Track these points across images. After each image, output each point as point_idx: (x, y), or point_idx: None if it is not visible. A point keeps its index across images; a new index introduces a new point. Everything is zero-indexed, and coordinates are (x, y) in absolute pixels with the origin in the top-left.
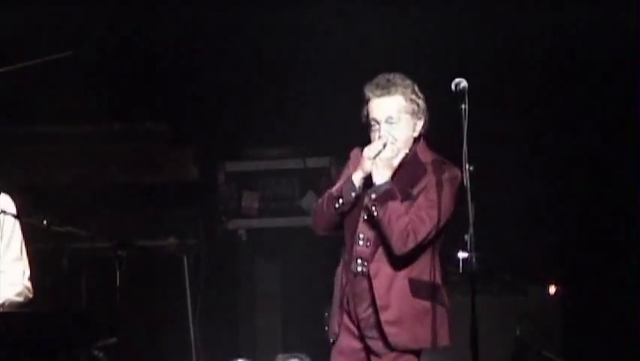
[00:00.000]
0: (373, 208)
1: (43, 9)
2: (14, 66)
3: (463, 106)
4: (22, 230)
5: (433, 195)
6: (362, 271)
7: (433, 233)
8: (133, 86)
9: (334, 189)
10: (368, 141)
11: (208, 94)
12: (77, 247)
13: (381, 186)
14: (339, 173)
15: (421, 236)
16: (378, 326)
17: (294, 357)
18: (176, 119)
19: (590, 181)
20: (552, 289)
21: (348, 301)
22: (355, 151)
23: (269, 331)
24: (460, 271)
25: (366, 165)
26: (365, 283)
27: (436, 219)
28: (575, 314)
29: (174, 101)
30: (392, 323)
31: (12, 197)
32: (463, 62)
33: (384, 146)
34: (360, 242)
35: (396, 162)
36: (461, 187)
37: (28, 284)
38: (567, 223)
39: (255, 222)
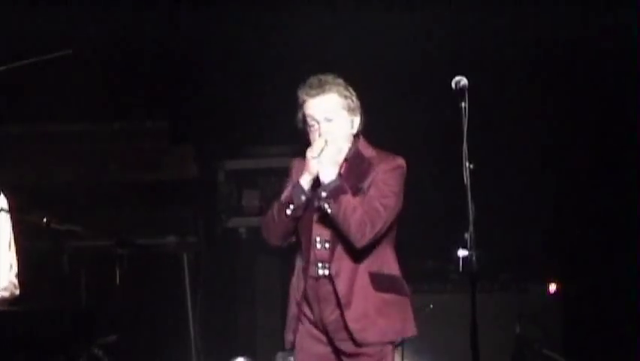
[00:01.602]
0: (326, 205)
1: (43, 8)
2: (14, 64)
3: (463, 104)
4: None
5: (383, 186)
6: (324, 273)
7: (388, 223)
8: (132, 84)
9: (282, 197)
10: (306, 147)
11: (208, 92)
12: (77, 245)
13: (330, 183)
14: (280, 188)
15: (378, 226)
16: (346, 325)
17: (294, 356)
18: (176, 118)
19: (591, 179)
20: (552, 288)
21: (311, 308)
22: (295, 162)
23: (269, 329)
24: (461, 269)
25: (312, 165)
26: (328, 286)
27: (389, 209)
28: (575, 313)
29: (174, 100)
30: (356, 320)
31: (4, 194)
32: (463, 60)
33: (326, 143)
34: (318, 245)
35: (340, 159)
36: (406, 175)
37: (14, 280)
38: (567, 222)
39: (255, 221)
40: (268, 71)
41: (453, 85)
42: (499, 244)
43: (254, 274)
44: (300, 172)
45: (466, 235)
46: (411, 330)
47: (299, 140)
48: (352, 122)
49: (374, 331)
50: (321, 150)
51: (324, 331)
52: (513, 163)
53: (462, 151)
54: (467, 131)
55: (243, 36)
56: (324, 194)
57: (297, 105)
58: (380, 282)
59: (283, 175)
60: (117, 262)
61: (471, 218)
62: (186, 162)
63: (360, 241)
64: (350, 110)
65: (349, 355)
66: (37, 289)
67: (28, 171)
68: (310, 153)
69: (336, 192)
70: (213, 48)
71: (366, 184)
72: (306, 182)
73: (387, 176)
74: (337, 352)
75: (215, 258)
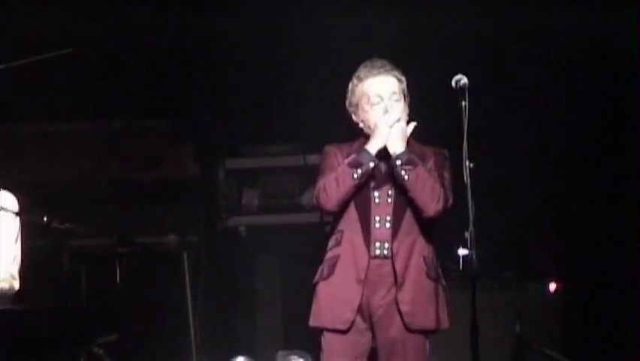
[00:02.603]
0: (403, 172)
1: (43, 7)
2: (14, 63)
3: (463, 103)
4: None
5: (444, 172)
6: (382, 253)
7: (451, 202)
8: (133, 83)
9: (346, 161)
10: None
11: (208, 91)
12: (78, 244)
13: (402, 153)
14: (322, 167)
15: (448, 198)
16: (398, 307)
17: (295, 354)
18: (176, 117)
19: (591, 179)
20: (552, 287)
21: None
22: (332, 147)
23: (269, 328)
24: (461, 268)
25: (384, 132)
26: (385, 266)
27: (451, 188)
28: (574, 312)
29: (174, 99)
30: (408, 303)
31: (14, 195)
32: (464, 59)
33: (399, 119)
34: (377, 224)
35: (405, 138)
36: None
37: (15, 273)
38: (567, 220)
39: (256, 219)
40: (268, 70)
41: (453, 84)
42: (499, 243)
43: (254, 272)
44: (344, 157)
45: (467, 234)
46: (446, 322)
47: (300, 138)
48: (405, 107)
49: (422, 317)
50: (394, 123)
51: (368, 316)
52: (513, 162)
53: (462, 150)
54: (467, 130)
55: (243, 35)
56: (399, 162)
57: (348, 87)
58: (430, 269)
59: (283, 174)
60: (117, 260)
61: (471, 217)
62: (186, 160)
63: (436, 206)
64: (404, 96)
65: (394, 341)
66: (37, 287)
67: (28, 170)
68: (384, 121)
69: (411, 161)
70: (214, 47)
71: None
72: (374, 149)
73: (443, 164)
74: (371, 341)
75: (215, 256)
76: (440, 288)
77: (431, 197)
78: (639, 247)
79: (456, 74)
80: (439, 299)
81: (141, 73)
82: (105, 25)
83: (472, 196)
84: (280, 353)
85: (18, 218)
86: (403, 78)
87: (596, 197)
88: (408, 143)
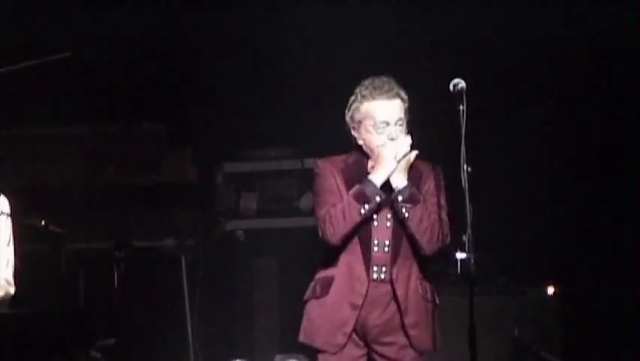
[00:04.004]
0: (404, 210)
1: (42, 9)
2: (13, 67)
3: (461, 107)
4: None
5: (441, 197)
6: (379, 277)
7: (448, 240)
8: (131, 86)
9: (351, 194)
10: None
11: (206, 95)
12: (75, 247)
13: (404, 188)
14: (318, 189)
15: (446, 234)
16: (401, 329)
17: (292, 358)
18: (174, 120)
19: (589, 182)
20: (551, 290)
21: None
22: (326, 164)
23: (267, 332)
24: (459, 272)
25: (391, 165)
26: (384, 289)
27: (447, 220)
28: (573, 315)
29: (172, 102)
30: (413, 326)
31: (7, 198)
32: (461, 62)
33: (410, 150)
34: (376, 248)
35: (408, 167)
36: None
37: (10, 278)
38: (566, 224)
39: (253, 223)
40: (267, 73)
41: (451, 87)
42: (498, 247)
43: (252, 276)
44: (338, 177)
45: (465, 238)
46: (441, 343)
47: (298, 142)
48: (407, 128)
49: (426, 337)
50: (404, 155)
51: (363, 335)
52: (511, 165)
53: (460, 154)
54: (465, 133)
55: (242, 38)
56: (400, 198)
57: (347, 105)
58: (426, 291)
59: (281, 178)
60: (115, 264)
61: (469, 221)
62: (184, 164)
63: (434, 246)
64: (407, 116)
65: (388, 358)
66: (35, 291)
67: (26, 173)
68: (393, 153)
69: (412, 197)
70: (212, 51)
71: (423, 192)
72: (379, 181)
73: (439, 190)
74: (370, 357)
75: (213, 260)
76: (435, 309)
77: (429, 237)
78: (638, 250)
79: (454, 77)
80: (434, 321)
81: (140, 76)
82: (103, 28)
83: (469, 200)
84: (278, 356)
85: (10, 220)
86: (406, 97)
87: (595, 200)
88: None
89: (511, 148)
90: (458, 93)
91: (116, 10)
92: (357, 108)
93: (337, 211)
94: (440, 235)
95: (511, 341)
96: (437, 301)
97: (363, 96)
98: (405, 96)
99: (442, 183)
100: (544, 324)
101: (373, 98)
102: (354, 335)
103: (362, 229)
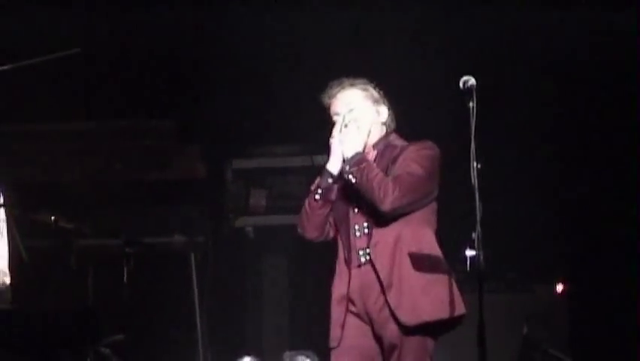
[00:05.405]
0: (350, 176)
1: (49, 7)
2: (22, 63)
3: (471, 104)
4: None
5: (409, 161)
6: (365, 260)
7: (419, 192)
8: (140, 83)
9: (312, 187)
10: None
11: (215, 91)
12: (85, 244)
13: (352, 156)
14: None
15: (405, 189)
16: (390, 309)
17: (302, 355)
18: (184, 117)
19: (598, 179)
20: (559, 288)
21: (353, 302)
22: None
23: (276, 328)
24: (468, 269)
25: (335, 147)
26: (371, 273)
27: (416, 176)
28: (581, 313)
29: (181, 99)
30: (399, 301)
31: (8, 191)
32: (471, 60)
33: (346, 124)
34: (357, 233)
35: (362, 139)
36: (439, 161)
37: (5, 269)
38: (574, 221)
39: (263, 220)
40: (276, 70)
41: (461, 85)
42: (507, 244)
43: (261, 273)
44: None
45: (474, 235)
46: (458, 308)
47: (307, 139)
48: (378, 111)
49: (419, 311)
50: (340, 130)
51: (370, 323)
52: (520, 163)
53: (470, 151)
54: (475, 130)
55: (251, 36)
56: (347, 167)
57: (323, 112)
58: (420, 261)
59: (290, 174)
60: (124, 260)
61: (478, 218)
62: (194, 161)
63: (384, 201)
64: (374, 100)
65: (393, 346)
66: (45, 287)
67: (36, 169)
68: (336, 138)
69: (358, 162)
70: (221, 47)
71: (396, 166)
72: (332, 166)
73: (414, 155)
74: (382, 346)
75: (222, 257)
76: (441, 277)
77: (377, 191)
78: None
79: (464, 75)
80: (438, 289)
81: (149, 73)
82: (113, 25)
83: (479, 197)
84: (287, 353)
85: (2, 211)
86: (370, 87)
87: (604, 198)
88: (389, 142)
89: (521, 144)
90: (468, 90)
91: (128, 7)
92: (327, 116)
93: (303, 208)
94: (394, 189)
95: (520, 338)
96: (447, 269)
97: (324, 102)
98: (363, 85)
99: (426, 153)
100: (552, 321)
101: (327, 100)
102: (363, 325)
103: (343, 220)
